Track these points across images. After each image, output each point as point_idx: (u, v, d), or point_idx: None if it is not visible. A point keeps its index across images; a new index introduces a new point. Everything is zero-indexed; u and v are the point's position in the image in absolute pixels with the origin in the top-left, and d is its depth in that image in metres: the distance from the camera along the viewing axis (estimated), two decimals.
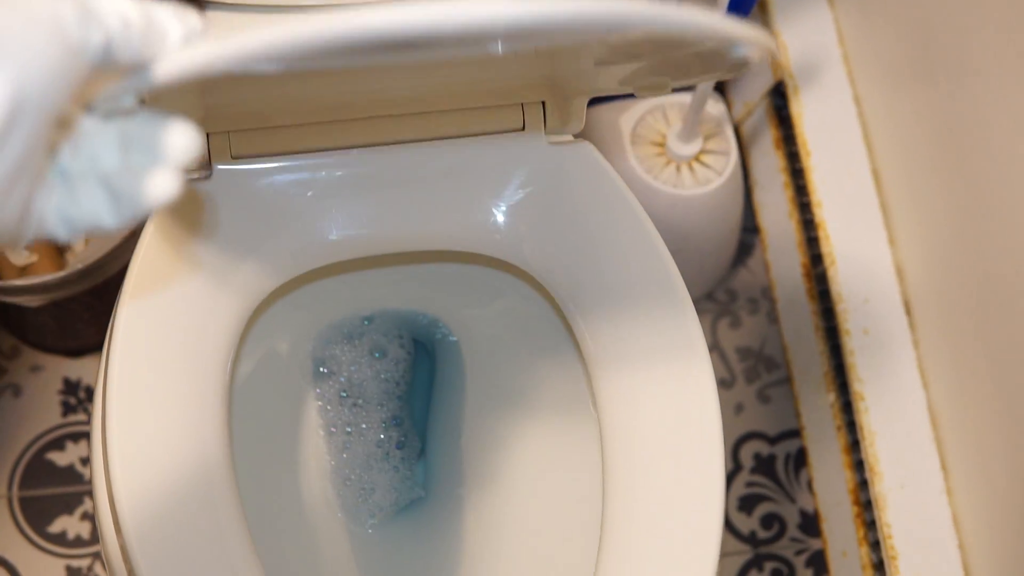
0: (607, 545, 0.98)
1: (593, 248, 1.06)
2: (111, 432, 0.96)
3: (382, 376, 1.20)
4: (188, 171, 1.06)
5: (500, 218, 1.07)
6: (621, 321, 1.04)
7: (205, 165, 1.04)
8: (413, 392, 1.23)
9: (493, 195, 1.07)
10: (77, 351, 1.51)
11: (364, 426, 1.19)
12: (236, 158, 1.04)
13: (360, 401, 1.20)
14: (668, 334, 1.04)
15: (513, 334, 1.21)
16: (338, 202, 1.06)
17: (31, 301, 1.29)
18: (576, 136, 1.11)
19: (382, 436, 1.19)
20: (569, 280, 1.06)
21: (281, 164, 1.05)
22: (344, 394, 1.20)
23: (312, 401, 1.20)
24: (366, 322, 1.21)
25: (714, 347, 1.57)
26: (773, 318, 1.59)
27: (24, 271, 1.36)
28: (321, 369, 1.20)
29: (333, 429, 1.19)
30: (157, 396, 0.98)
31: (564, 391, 1.18)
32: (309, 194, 1.05)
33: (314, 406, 1.20)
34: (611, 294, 1.05)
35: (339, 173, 1.06)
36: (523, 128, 1.07)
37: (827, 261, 1.39)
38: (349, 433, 1.19)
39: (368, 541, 1.18)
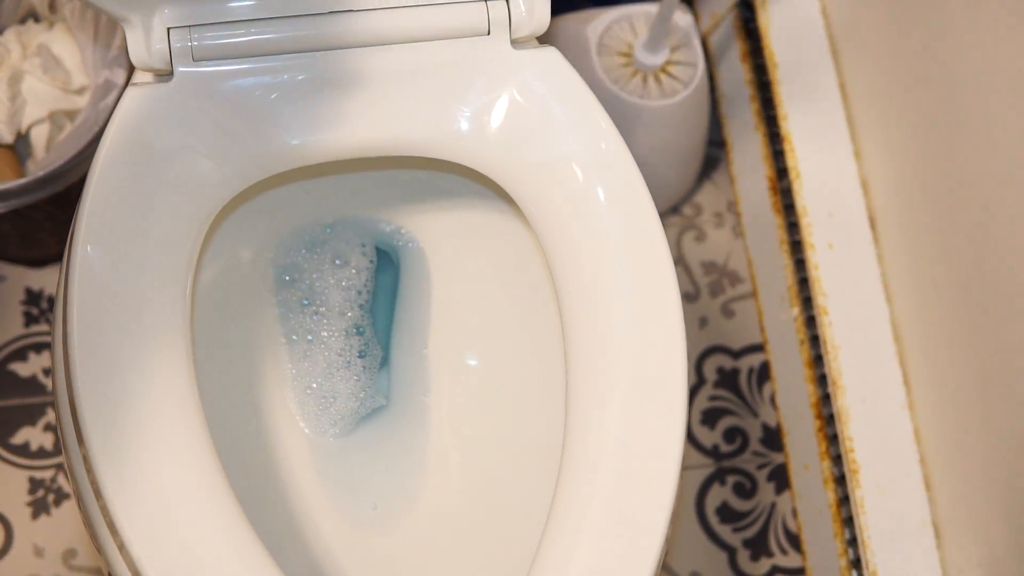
0: (568, 459, 0.98)
1: (557, 156, 1.05)
2: (72, 342, 0.95)
3: (343, 284, 1.20)
4: (150, 73, 1.05)
5: (465, 124, 1.06)
6: (585, 231, 1.04)
7: (167, 67, 1.03)
8: (376, 300, 1.23)
9: (458, 100, 1.06)
10: (39, 261, 1.49)
11: (325, 334, 1.19)
12: (198, 60, 1.03)
13: (322, 309, 1.19)
14: (633, 246, 1.03)
15: (478, 241, 1.21)
16: (301, 106, 1.05)
17: None
18: (542, 42, 1.10)
19: (344, 345, 1.19)
20: (533, 188, 1.05)
21: (243, 67, 1.04)
22: (305, 302, 1.19)
23: (273, 309, 1.19)
24: (328, 230, 1.20)
25: (679, 260, 1.57)
26: (738, 232, 1.59)
27: None
28: (285, 277, 1.19)
29: (294, 337, 1.19)
30: (118, 303, 0.97)
31: (530, 299, 1.18)
32: (272, 97, 1.04)
33: (275, 313, 1.19)
34: (575, 203, 1.04)
35: (302, 76, 1.05)
36: (488, 33, 1.06)
37: (792, 175, 1.39)
38: (310, 341, 1.19)
39: (330, 450, 1.18)
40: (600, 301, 1.02)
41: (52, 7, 1.40)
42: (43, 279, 1.50)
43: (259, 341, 1.19)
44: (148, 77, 1.05)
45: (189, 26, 1.04)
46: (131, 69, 1.29)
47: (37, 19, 1.42)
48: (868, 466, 1.30)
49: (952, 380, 1.25)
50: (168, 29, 1.03)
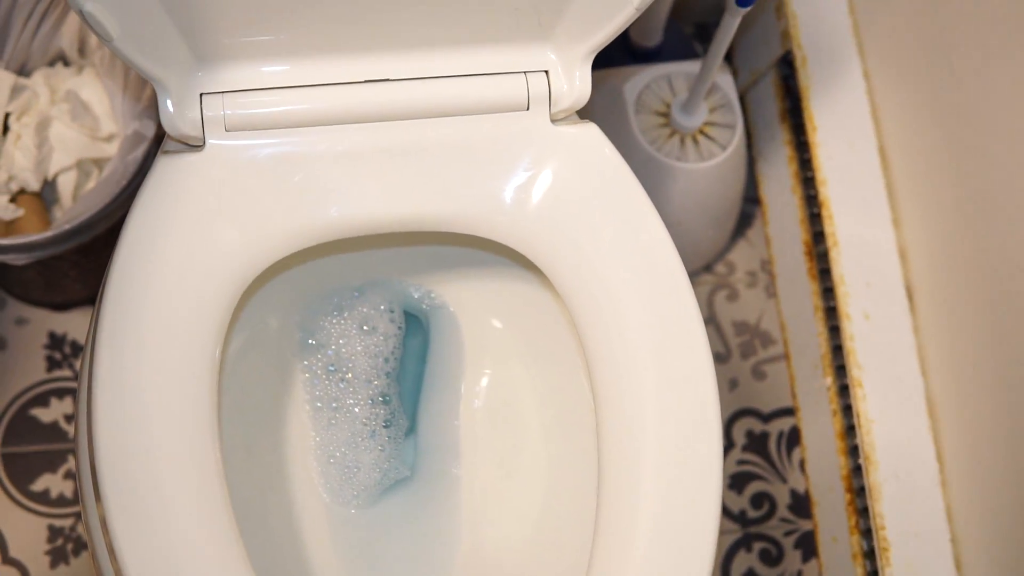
0: (602, 538, 0.96)
1: (594, 238, 1.03)
2: (96, 410, 0.94)
3: (371, 351, 1.18)
4: (181, 142, 1.03)
5: (502, 202, 1.04)
6: (619, 312, 1.02)
7: (198, 135, 1.01)
8: (403, 368, 1.21)
9: (495, 178, 1.04)
10: (63, 305, 1.48)
11: (350, 402, 1.17)
12: (231, 131, 1.01)
13: (348, 376, 1.17)
14: (667, 330, 1.01)
15: (509, 310, 1.19)
16: (335, 180, 1.03)
17: (17, 260, 1.26)
18: (581, 115, 1.08)
19: (369, 414, 1.17)
20: (568, 267, 1.03)
21: (277, 140, 1.02)
22: (331, 368, 1.17)
23: (299, 374, 1.17)
24: (356, 293, 1.18)
25: (711, 320, 1.54)
26: (771, 292, 1.56)
27: (10, 226, 1.33)
28: (310, 341, 1.17)
29: (319, 404, 1.17)
30: (145, 375, 0.95)
31: (561, 370, 1.16)
32: (305, 171, 1.02)
33: (301, 379, 1.17)
34: (610, 285, 1.02)
35: (336, 149, 1.03)
36: (527, 108, 1.04)
37: (830, 242, 1.36)
38: (335, 409, 1.17)
39: (352, 522, 1.16)
40: (633, 380, 1.00)
41: (82, 51, 1.38)
42: (67, 323, 1.48)
43: (283, 407, 1.17)
44: (179, 144, 1.03)
45: (222, 92, 1.01)
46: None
47: (66, 63, 1.40)
48: (899, 544, 1.28)
49: (986, 458, 1.23)
50: (201, 95, 1.01)
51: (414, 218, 1.04)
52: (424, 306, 1.20)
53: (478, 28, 1.03)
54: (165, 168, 1.01)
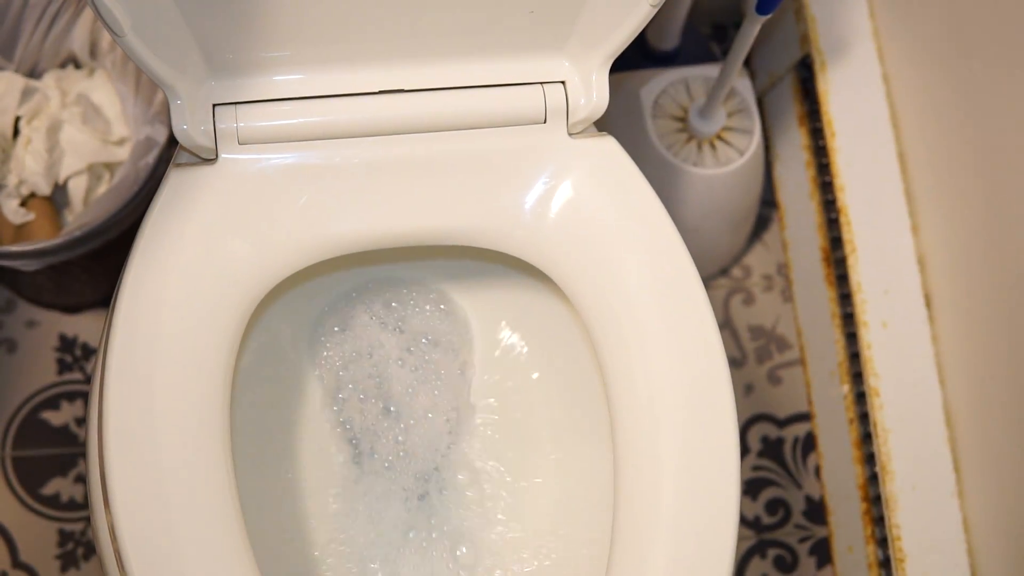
0: (619, 543, 0.96)
1: (611, 252, 1.02)
2: (107, 429, 0.93)
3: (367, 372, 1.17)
4: (193, 153, 1.02)
5: (518, 216, 1.03)
6: (635, 326, 1.01)
7: (211, 147, 0.99)
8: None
9: (512, 191, 1.03)
10: (74, 307, 1.47)
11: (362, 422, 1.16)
12: (244, 144, 1.00)
13: (352, 390, 1.16)
14: (683, 336, 1.00)
15: (525, 324, 1.18)
16: (349, 193, 1.01)
17: (28, 266, 1.25)
18: (598, 121, 1.06)
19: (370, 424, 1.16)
20: (584, 281, 1.02)
21: (290, 153, 1.01)
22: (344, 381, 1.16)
23: (312, 383, 1.16)
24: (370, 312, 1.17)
25: (726, 324, 1.53)
26: (787, 296, 1.55)
27: (21, 230, 1.32)
28: (324, 352, 1.16)
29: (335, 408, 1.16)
30: (157, 388, 0.94)
31: (580, 383, 1.15)
32: (319, 184, 1.01)
33: (314, 390, 1.16)
34: (626, 297, 1.01)
35: (350, 163, 1.02)
36: (544, 121, 1.03)
37: (848, 249, 1.35)
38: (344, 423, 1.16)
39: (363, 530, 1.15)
40: (649, 390, 0.99)
41: (93, 53, 1.37)
42: (77, 325, 1.47)
43: (295, 420, 1.16)
44: (192, 156, 1.02)
45: (235, 103, 1.00)
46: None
47: (78, 65, 1.39)
48: (915, 556, 1.27)
49: (1003, 470, 1.22)
50: (214, 106, 1.00)
51: (430, 232, 1.03)
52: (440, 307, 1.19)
53: (493, 36, 1.01)
54: (177, 181, 0.99)
